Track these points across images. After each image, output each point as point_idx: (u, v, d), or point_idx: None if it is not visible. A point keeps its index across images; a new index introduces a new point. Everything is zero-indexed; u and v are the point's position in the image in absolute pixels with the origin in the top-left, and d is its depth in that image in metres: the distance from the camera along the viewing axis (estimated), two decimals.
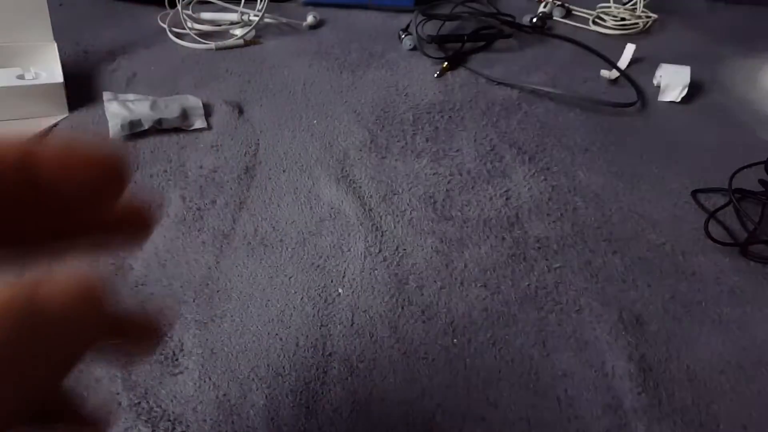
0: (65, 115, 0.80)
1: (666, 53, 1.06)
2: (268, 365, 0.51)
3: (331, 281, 0.59)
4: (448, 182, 0.72)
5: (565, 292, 0.59)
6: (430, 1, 1.19)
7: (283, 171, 0.73)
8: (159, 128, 0.77)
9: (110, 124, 0.76)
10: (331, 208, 0.67)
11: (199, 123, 0.80)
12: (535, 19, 1.12)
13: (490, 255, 0.62)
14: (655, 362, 0.53)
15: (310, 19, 1.09)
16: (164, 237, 0.63)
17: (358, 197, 0.69)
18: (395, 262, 0.61)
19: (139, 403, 0.48)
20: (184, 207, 0.67)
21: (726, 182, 0.73)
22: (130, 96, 0.83)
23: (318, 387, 0.49)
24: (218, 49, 1.00)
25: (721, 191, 0.72)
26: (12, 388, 0.14)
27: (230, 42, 1.01)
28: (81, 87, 0.86)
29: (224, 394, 0.49)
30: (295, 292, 0.57)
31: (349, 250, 0.62)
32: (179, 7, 1.02)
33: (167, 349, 0.52)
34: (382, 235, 0.64)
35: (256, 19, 1.03)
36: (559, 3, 1.19)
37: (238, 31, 1.03)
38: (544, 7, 1.18)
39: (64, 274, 0.16)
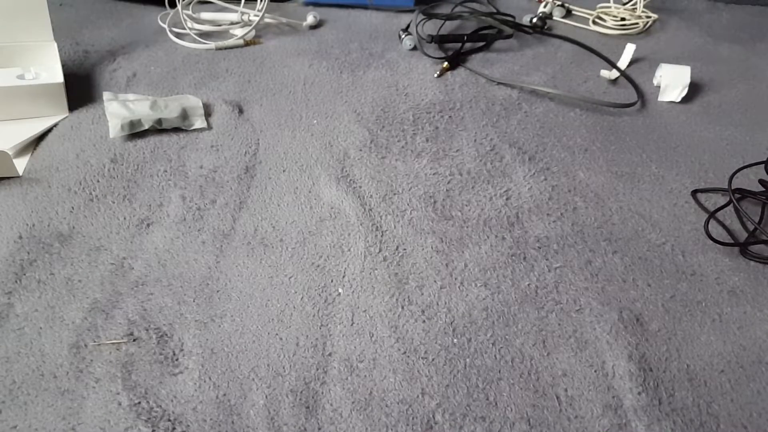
0: (65, 115, 0.80)
1: (666, 53, 1.06)
2: (268, 365, 0.51)
3: (331, 281, 0.59)
4: (448, 182, 0.72)
5: (565, 292, 0.59)
6: (430, 1, 1.19)
7: (283, 171, 0.73)
8: (159, 128, 0.77)
9: (110, 124, 0.76)
10: (331, 208, 0.67)
11: (199, 123, 0.80)
12: (535, 19, 1.12)
13: (490, 255, 0.62)
14: (655, 362, 0.53)
15: (310, 19, 1.09)
16: (164, 237, 0.63)
17: (358, 197, 0.69)
18: (395, 262, 0.61)
19: (139, 403, 0.48)
20: (184, 207, 0.67)
21: (726, 182, 0.73)
22: (130, 96, 0.83)
23: (318, 387, 0.49)
24: (218, 49, 1.00)
25: (721, 191, 0.72)
26: None
27: (230, 42, 1.01)
28: (81, 87, 0.86)
29: (224, 394, 0.49)
30: (295, 292, 0.58)
31: (349, 250, 0.62)
32: (179, 7, 1.02)
33: (167, 349, 0.52)
34: (382, 235, 0.64)
35: (256, 19, 1.03)
36: (559, 3, 1.19)
37: (238, 31, 1.03)
38: (544, 7, 1.18)
39: None
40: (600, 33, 1.14)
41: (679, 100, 0.91)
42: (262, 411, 0.47)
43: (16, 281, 0.57)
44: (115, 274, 0.58)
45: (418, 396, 0.49)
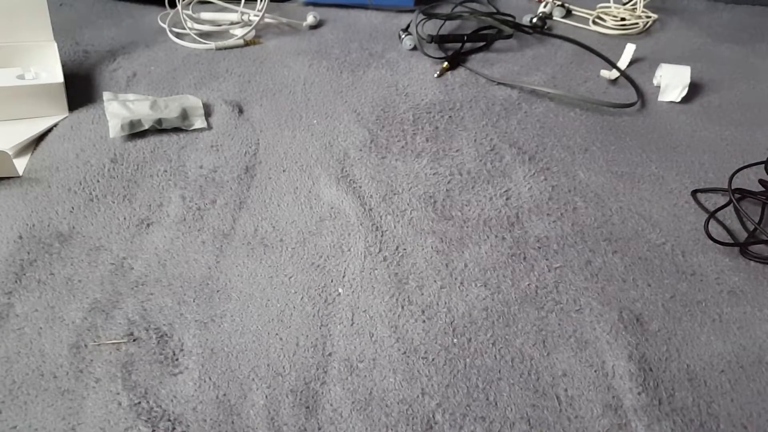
0: (65, 115, 0.80)
1: (666, 53, 1.06)
2: (268, 365, 0.51)
3: (331, 281, 0.59)
4: (448, 182, 0.72)
5: (565, 292, 0.59)
6: (430, 1, 1.19)
7: (283, 171, 0.73)
8: (159, 128, 0.77)
9: (110, 124, 0.76)
10: (331, 208, 0.67)
11: (199, 123, 0.80)
12: (535, 19, 1.12)
13: (490, 255, 0.62)
14: (655, 362, 0.53)
15: (310, 19, 1.10)
16: (164, 237, 0.63)
17: (358, 197, 0.69)
18: (395, 262, 0.61)
19: (139, 403, 0.48)
20: (184, 207, 0.67)
21: (726, 182, 0.73)
22: (130, 96, 0.83)
23: (318, 387, 0.49)
24: (218, 49, 1.00)
25: (721, 191, 0.72)
26: None
27: (230, 42, 1.01)
28: (81, 87, 0.86)
29: (224, 394, 0.49)
30: (295, 292, 0.58)
31: (349, 250, 0.62)
32: (179, 7, 1.02)
33: (167, 349, 0.52)
34: (382, 235, 0.64)
35: (256, 19, 1.03)
36: (559, 3, 1.19)
37: (238, 31, 1.03)
38: (544, 7, 1.18)
39: None
40: (600, 33, 1.14)
41: (679, 100, 0.91)
42: (262, 411, 0.47)
43: (16, 281, 0.57)
44: (115, 274, 0.58)
45: (418, 396, 0.49)
